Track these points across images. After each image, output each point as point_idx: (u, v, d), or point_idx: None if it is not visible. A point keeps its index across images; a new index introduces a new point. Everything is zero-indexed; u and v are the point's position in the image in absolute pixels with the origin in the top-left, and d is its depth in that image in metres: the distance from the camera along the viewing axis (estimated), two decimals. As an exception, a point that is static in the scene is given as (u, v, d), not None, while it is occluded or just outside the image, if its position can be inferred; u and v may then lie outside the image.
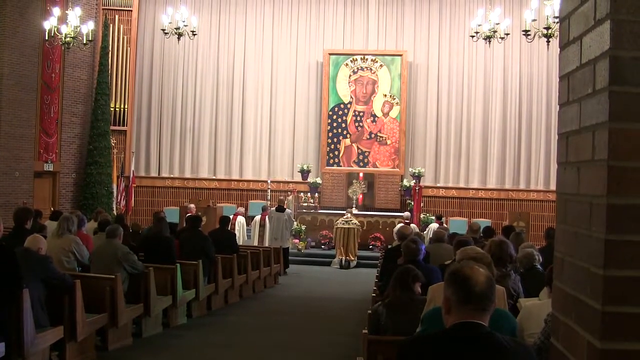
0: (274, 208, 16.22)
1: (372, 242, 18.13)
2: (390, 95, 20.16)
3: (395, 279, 5.08)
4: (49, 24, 15.98)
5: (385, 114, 20.19)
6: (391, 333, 4.80)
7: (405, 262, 6.24)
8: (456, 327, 2.45)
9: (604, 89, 1.70)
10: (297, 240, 17.86)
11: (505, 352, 2.40)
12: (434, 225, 15.93)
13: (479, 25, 15.51)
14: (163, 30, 16.84)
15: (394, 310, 4.91)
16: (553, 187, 19.62)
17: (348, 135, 20.28)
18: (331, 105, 20.35)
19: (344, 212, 17.53)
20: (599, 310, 1.67)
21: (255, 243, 16.21)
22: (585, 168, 1.82)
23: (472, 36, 15.78)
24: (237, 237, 14.05)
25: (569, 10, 1.97)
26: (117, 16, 20.79)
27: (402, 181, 19.89)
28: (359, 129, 20.26)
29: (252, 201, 20.38)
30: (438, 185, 20.51)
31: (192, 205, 16.38)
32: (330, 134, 20.31)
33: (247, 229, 17.44)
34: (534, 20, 13.68)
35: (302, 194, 19.55)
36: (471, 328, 2.43)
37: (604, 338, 1.65)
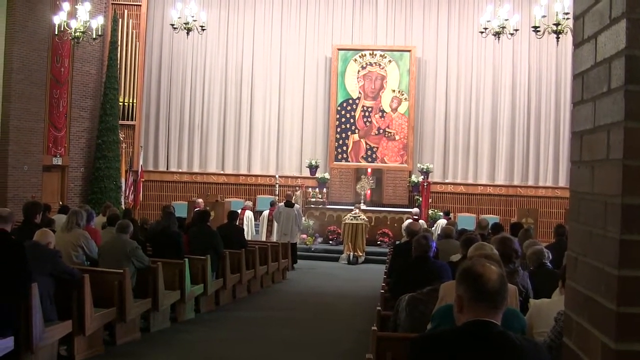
0: (283, 203, 16.16)
1: (380, 238, 18.12)
2: (399, 91, 20.12)
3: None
4: (58, 18, 16.04)
5: (394, 110, 20.15)
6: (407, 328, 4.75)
7: (415, 257, 6.21)
8: (468, 325, 2.44)
9: (620, 88, 1.68)
10: (304, 236, 17.83)
11: (518, 351, 2.39)
12: (442, 222, 15.89)
13: (488, 21, 15.48)
14: (172, 25, 16.88)
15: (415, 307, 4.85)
16: (562, 183, 19.59)
17: (356, 131, 20.25)
18: (339, 101, 20.32)
19: (352, 207, 17.51)
20: (613, 311, 1.65)
21: (264, 238, 16.20)
22: (600, 167, 1.81)
23: (481, 32, 15.76)
24: (245, 232, 14.06)
25: (583, 9, 1.95)
26: (126, 11, 20.81)
27: (410, 177, 19.85)
28: (368, 124, 20.23)
29: (260, 196, 20.39)
30: (446, 181, 20.46)
31: (201, 200, 16.38)
32: (338, 129, 20.28)
33: (255, 224, 17.44)
34: (544, 16, 13.64)
35: (310, 189, 19.53)
36: (484, 326, 2.42)
37: (619, 339, 1.64)
